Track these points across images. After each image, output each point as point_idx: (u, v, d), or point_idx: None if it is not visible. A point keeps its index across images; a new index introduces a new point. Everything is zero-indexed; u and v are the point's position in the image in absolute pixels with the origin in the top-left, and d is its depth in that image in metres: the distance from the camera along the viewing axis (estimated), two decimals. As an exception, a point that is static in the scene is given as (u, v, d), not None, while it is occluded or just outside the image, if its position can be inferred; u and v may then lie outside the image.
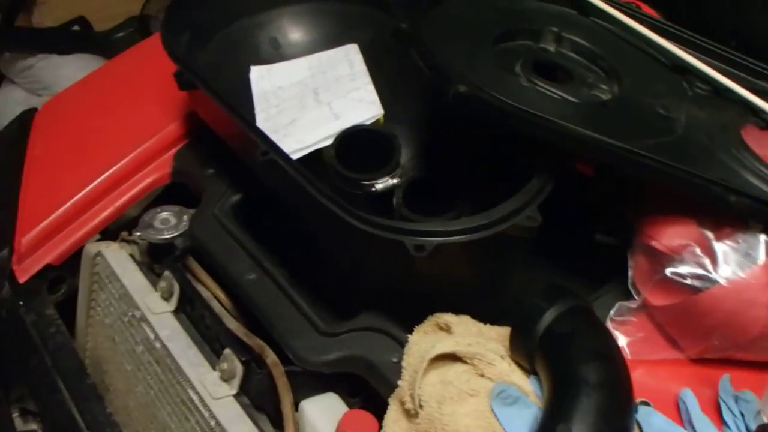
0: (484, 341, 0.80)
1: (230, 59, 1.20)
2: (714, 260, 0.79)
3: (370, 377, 0.87)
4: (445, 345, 0.78)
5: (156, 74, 1.28)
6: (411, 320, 0.86)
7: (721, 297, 0.78)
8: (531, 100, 0.84)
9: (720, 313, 0.78)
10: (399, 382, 0.80)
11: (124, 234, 1.15)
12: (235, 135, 1.02)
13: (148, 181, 1.19)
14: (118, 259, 1.11)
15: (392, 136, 1.05)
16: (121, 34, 2.70)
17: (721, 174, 0.80)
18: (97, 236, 1.18)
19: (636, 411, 0.71)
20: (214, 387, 0.93)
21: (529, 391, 0.75)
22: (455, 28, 0.94)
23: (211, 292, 1.06)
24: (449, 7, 0.97)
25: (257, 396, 0.92)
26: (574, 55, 0.97)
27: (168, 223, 1.10)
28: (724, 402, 0.78)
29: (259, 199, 1.07)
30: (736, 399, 0.78)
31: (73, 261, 1.16)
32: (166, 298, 1.04)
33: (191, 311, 1.03)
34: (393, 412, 0.81)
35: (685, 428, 0.76)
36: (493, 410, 0.73)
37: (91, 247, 1.14)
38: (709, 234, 0.80)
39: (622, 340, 0.84)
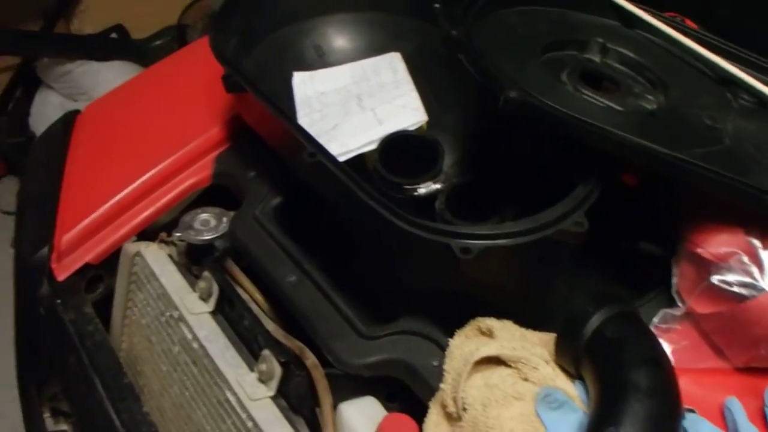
0: (529, 345, 0.80)
1: (274, 65, 1.22)
2: (761, 269, 0.78)
3: (410, 381, 0.87)
4: (490, 348, 0.78)
5: (198, 79, 1.31)
6: (452, 324, 0.86)
7: (770, 305, 0.77)
8: (580, 107, 0.84)
9: (768, 321, 0.78)
10: (441, 386, 0.80)
11: (163, 235, 1.16)
12: (281, 137, 1.03)
13: (189, 182, 1.20)
14: (158, 259, 1.11)
15: (436, 142, 1.05)
16: (158, 43, 2.74)
17: (770, 184, 0.80)
18: (134, 238, 1.19)
19: (684, 417, 0.71)
20: (252, 388, 0.92)
21: (574, 396, 0.75)
22: (504, 37, 0.95)
23: (249, 294, 1.06)
24: (499, 16, 0.98)
25: (295, 398, 0.92)
26: (619, 66, 0.97)
27: (208, 225, 1.11)
28: (771, 412, 0.77)
29: (301, 202, 1.08)
30: (785, 409, 0.78)
31: (111, 261, 1.17)
32: (205, 298, 1.05)
33: (230, 312, 1.03)
34: (434, 416, 0.81)
35: (731, 437, 0.76)
36: (538, 414, 0.73)
37: (130, 247, 1.15)
38: (757, 242, 0.80)
39: (666, 348, 0.83)
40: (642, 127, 0.82)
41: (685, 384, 0.73)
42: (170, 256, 1.14)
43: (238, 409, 0.92)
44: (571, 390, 0.76)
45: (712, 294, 0.82)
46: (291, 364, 0.92)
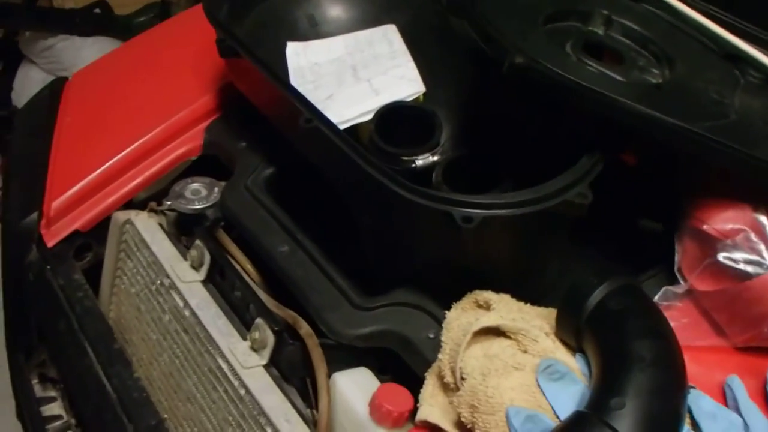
0: (528, 318, 0.79)
1: (267, 34, 1.19)
2: (768, 246, 0.78)
3: (405, 352, 0.86)
4: (490, 318, 0.77)
5: (188, 48, 1.29)
6: (448, 297, 0.85)
7: (775, 283, 0.76)
8: (586, 77, 0.82)
9: (773, 300, 0.77)
10: (439, 356, 0.79)
11: (153, 204, 1.15)
12: (275, 103, 1.01)
13: (179, 152, 1.19)
14: (148, 227, 1.10)
15: (433, 114, 1.04)
16: (141, 19, 2.71)
17: (779, 159, 0.79)
18: (122, 208, 1.17)
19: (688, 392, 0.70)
20: (244, 356, 0.91)
21: (574, 368, 0.74)
22: (507, 6, 0.93)
23: (240, 264, 1.04)
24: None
25: (288, 367, 0.91)
26: (623, 39, 0.96)
27: (199, 194, 1.10)
28: (773, 390, 0.76)
29: (294, 172, 1.06)
30: (786, 387, 0.77)
31: (100, 229, 1.16)
32: (196, 267, 1.03)
33: (221, 281, 1.01)
34: (430, 387, 0.80)
35: (732, 414, 0.75)
36: (539, 385, 0.71)
37: (120, 215, 1.13)
38: (764, 219, 0.79)
39: (667, 325, 0.82)
40: (649, 99, 0.81)
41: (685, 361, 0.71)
42: (160, 225, 1.12)
43: (231, 377, 0.91)
44: (572, 362, 0.74)
45: (714, 271, 0.81)
46: (284, 333, 0.91)
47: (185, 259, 1.05)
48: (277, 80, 0.96)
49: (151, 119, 1.20)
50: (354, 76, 1.12)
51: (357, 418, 0.82)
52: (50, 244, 1.12)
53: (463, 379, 0.75)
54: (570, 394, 0.70)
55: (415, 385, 0.81)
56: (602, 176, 0.82)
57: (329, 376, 0.87)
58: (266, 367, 0.91)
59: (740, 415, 0.74)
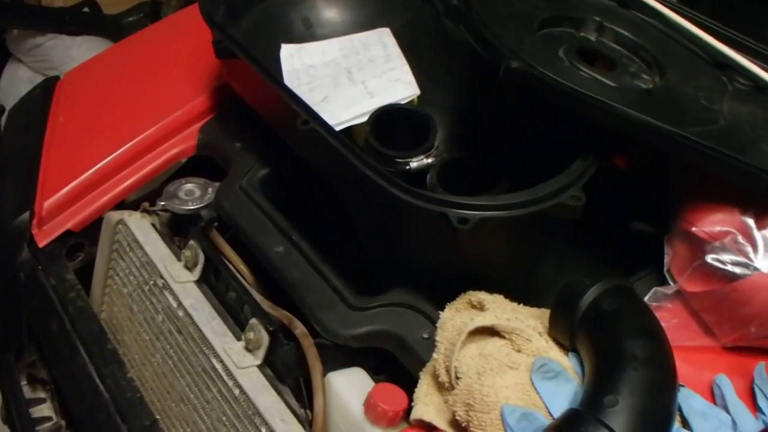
0: (522, 318, 0.80)
1: (261, 36, 1.20)
2: (755, 248, 0.79)
3: (399, 352, 0.87)
4: (485, 318, 0.78)
5: (182, 49, 1.30)
6: (442, 298, 0.86)
7: (762, 284, 0.78)
8: (579, 82, 0.84)
9: (760, 301, 0.78)
10: (434, 356, 0.80)
11: (146, 205, 1.15)
12: (271, 104, 1.02)
13: (172, 152, 1.19)
14: (141, 228, 1.10)
15: (428, 116, 1.05)
16: (131, 19, 2.70)
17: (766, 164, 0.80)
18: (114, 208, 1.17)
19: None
20: (239, 356, 0.92)
21: (567, 367, 0.75)
22: (502, 11, 0.94)
23: (234, 265, 1.05)
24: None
25: (282, 367, 0.92)
26: (615, 45, 0.97)
27: (193, 195, 1.10)
28: (760, 389, 0.78)
29: (289, 173, 1.07)
30: (772, 386, 0.79)
31: (92, 229, 1.16)
32: (190, 267, 1.04)
33: (215, 282, 1.02)
34: (424, 386, 0.81)
35: (720, 413, 0.76)
36: (533, 384, 0.73)
37: (113, 215, 1.13)
38: (751, 222, 0.81)
39: (657, 326, 0.84)
40: (640, 104, 0.82)
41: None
42: (153, 226, 1.12)
43: (225, 377, 0.91)
44: (565, 361, 0.76)
45: (703, 273, 0.82)
46: (279, 333, 0.92)
47: (179, 259, 1.05)
48: (275, 82, 0.97)
49: (145, 119, 1.20)
50: (349, 78, 1.13)
51: (352, 417, 0.83)
52: (42, 243, 1.12)
53: (458, 378, 0.76)
54: (564, 392, 0.72)
55: (409, 386, 0.82)
56: (595, 179, 0.84)
57: (324, 375, 0.88)
58: (261, 367, 0.91)
59: (728, 413, 0.75)
